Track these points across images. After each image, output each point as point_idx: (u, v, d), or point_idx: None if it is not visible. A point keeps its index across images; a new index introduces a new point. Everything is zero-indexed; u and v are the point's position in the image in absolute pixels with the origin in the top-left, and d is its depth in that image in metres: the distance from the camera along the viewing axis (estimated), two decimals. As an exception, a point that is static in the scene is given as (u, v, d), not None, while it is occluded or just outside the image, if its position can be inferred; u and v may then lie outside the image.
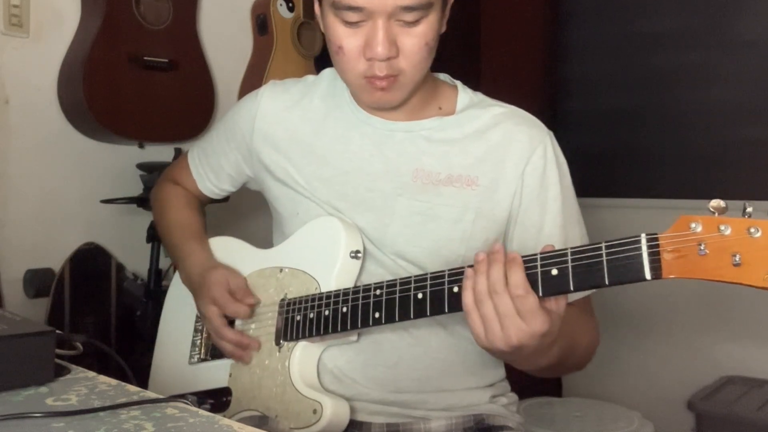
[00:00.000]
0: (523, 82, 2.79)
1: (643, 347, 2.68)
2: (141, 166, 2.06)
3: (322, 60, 2.40)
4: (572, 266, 0.84)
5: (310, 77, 1.25)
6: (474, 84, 1.22)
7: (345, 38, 1.03)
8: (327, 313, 1.06)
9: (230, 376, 1.18)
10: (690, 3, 2.65)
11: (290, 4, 2.39)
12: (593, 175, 2.75)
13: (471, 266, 0.92)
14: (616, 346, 2.67)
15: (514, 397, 1.23)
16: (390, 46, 1.01)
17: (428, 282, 0.96)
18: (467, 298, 0.89)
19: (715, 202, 0.76)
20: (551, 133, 1.16)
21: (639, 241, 0.80)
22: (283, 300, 1.14)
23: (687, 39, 2.65)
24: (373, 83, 1.05)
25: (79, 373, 0.89)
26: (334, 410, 1.04)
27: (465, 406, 1.15)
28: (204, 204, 1.41)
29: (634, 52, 2.77)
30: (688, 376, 2.50)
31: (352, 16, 1.01)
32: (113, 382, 0.86)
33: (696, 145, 2.64)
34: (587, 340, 1.08)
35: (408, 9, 0.99)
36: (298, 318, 1.10)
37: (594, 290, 1.11)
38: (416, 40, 1.02)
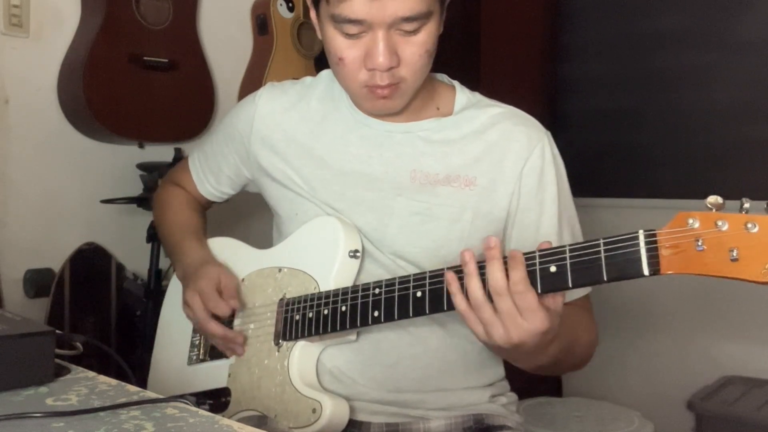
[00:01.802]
0: (523, 82, 2.79)
1: (643, 347, 2.68)
2: (141, 166, 2.06)
3: (322, 60, 2.40)
4: (570, 263, 0.84)
5: (308, 79, 1.25)
6: (474, 84, 1.22)
7: (345, 50, 1.03)
8: (326, 312, 1.06)
9: (229, 376, 1.18)
10: (690, 3, 2.65)
11: (290, 4, 2.39)
12: (593, 175, 2.76)
13: (450, 268, 0.92)
14: (616, 346, 2.67)
15: (513, 396, 1.23)
16: (391, 56, 1.01)
17: (427, 280, 0.96)
18: (460, 305, 0.89)
19: (713, 198, 0.76)
20: (549, 133, 1.16)
21: (637, 237, 0.80)
22: (282, 300, 1.14)
23: (687, 39, 2.65)
24: (375, 92, 1.05)
25: (79, 373, 0.89)
26: (333, 409, 1.04)
27: (464, 406, 1.15)
28: (205, 207, 1.41)
29: (634, 52, 2.77)
30: (688, 376, 2.49)
31: (352, 29, 1.00)
32: (113, 382, 0.86)
33: (695, 145, 2.64)
34: (587, 339, 1.08)
35: (408, 20, 0.99)
36: (297, 317, 1.10)
37: (590, 289, 1.11)
38: (416, 49, 1.02)
